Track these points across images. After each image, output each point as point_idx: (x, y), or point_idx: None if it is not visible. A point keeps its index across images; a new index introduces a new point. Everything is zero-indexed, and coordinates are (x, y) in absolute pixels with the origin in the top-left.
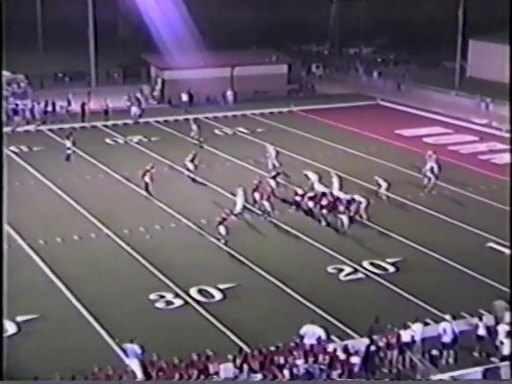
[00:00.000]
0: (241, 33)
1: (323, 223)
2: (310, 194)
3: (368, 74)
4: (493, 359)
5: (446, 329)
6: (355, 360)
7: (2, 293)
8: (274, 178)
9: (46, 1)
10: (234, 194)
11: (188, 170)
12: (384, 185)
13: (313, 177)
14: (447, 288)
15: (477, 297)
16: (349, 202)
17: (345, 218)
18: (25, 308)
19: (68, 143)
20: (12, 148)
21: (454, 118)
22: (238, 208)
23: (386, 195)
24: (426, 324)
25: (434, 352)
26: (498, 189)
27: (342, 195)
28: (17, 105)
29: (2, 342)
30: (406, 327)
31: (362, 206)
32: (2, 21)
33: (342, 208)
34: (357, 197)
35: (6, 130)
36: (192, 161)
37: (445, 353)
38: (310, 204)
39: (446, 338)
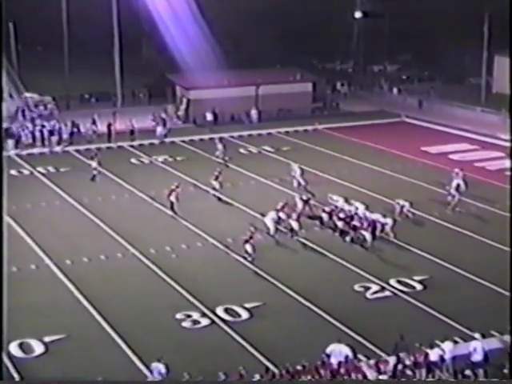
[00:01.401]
0: (265, 51)
1: (347, 239)
2: (341, 215)
3: (398, 92)
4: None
5: (477, 347)
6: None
7: (2, 295)
8: (306, 202)
9: (72, 22)
10: (262, 213)
11: (213, 188)
12: (406, 204)
13: (338, 199)
14: (475, 306)
15: (505, 314)
16: (374, 222)
17: (367, 234)
18: (52, 327)
19: (93, 164)
20: (39, 169)
21: (480, 135)
22: (272, 230)
23: (412, 212)
24: (456, 342)
25: (467, 372)
26: None
27: (368, 214)
28: (43, 126)
29: (2, 343)
30: (433, 346)
31: (388, 226)
32: (1, 21)
33: (365, 224)
34: (383, 219)
35: (36, 151)
36: (217, 179)
37: (475, 371)
38: (340, 224)
39: (477, 357)
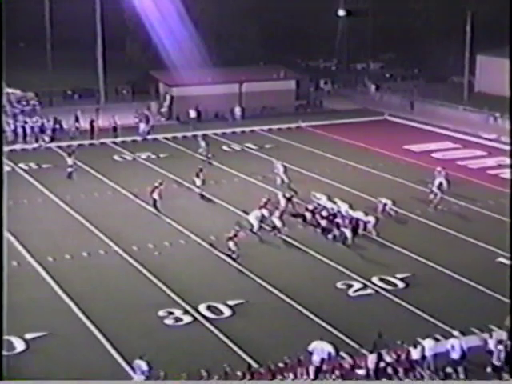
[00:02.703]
0: (248, 49)
1: (330, 237)
2: (324, 213)
3: (376, 89)
4: (504, 375)
5: (455, 345)
6: (361, 373)
7: (2, 295)
8: (289, 199)
9: (55, 19)
10: (245, 211)
11: (196, 186)
12: (389, 202)
13: (321, 197)
14: (457, 304)
15: (487, 312)
16: (357, 220)
17: (348, 232)
18: (33, 325)
19: (70, 161)
20: (21, 165)
21: (462, 133)
22: (256, 227)
23: (395, 211)
24: (437, 340)
25: (448, 369)
26: (507, 203)
27: (350, 212)
28: (26, 122)
29: (1, 343)
30: (415, 343)
31: (371, 224)
32: (1, 21)
33: (347, 222)
34: (365, 217)
35: (18, 147)
36: (198, 176)
37: (456, 369)
38: (323, 222)
39: (455, 355)
